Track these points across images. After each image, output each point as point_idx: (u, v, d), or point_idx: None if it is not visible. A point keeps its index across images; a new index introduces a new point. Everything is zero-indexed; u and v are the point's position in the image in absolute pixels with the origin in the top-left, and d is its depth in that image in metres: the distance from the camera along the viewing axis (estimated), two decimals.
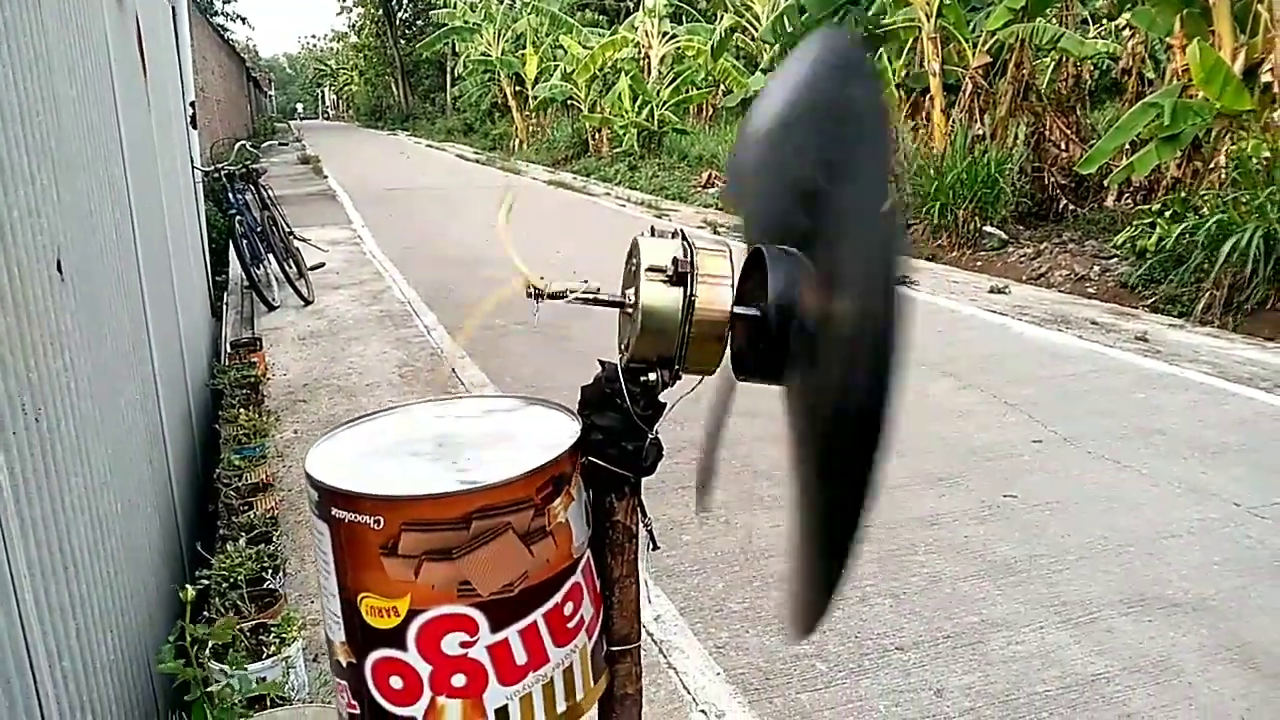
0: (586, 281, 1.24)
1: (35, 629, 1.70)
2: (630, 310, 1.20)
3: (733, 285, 1.19)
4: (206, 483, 4.26)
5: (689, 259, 1.16)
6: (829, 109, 1.17)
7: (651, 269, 1.16)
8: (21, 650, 1.64)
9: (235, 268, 8.93)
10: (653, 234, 1.21)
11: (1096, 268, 8.49)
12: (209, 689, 2.28)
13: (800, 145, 1.21)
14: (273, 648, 2.57)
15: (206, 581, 2.82)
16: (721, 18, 17.88)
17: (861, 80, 1.17)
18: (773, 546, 3.75)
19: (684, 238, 1.19)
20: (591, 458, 1.25)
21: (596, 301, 1.24)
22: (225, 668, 2.36)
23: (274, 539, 3.33)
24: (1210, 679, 2.88)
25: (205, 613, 2.72)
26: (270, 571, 2.98)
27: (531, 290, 1.22)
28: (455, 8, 28.13)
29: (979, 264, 9.32)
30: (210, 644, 2.43)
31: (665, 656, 3.05)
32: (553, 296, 1.22)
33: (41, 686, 1.70)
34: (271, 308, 8.13)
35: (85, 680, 1.98)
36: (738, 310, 1.17)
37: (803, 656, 3.04)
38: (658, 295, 1.16)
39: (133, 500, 2.70)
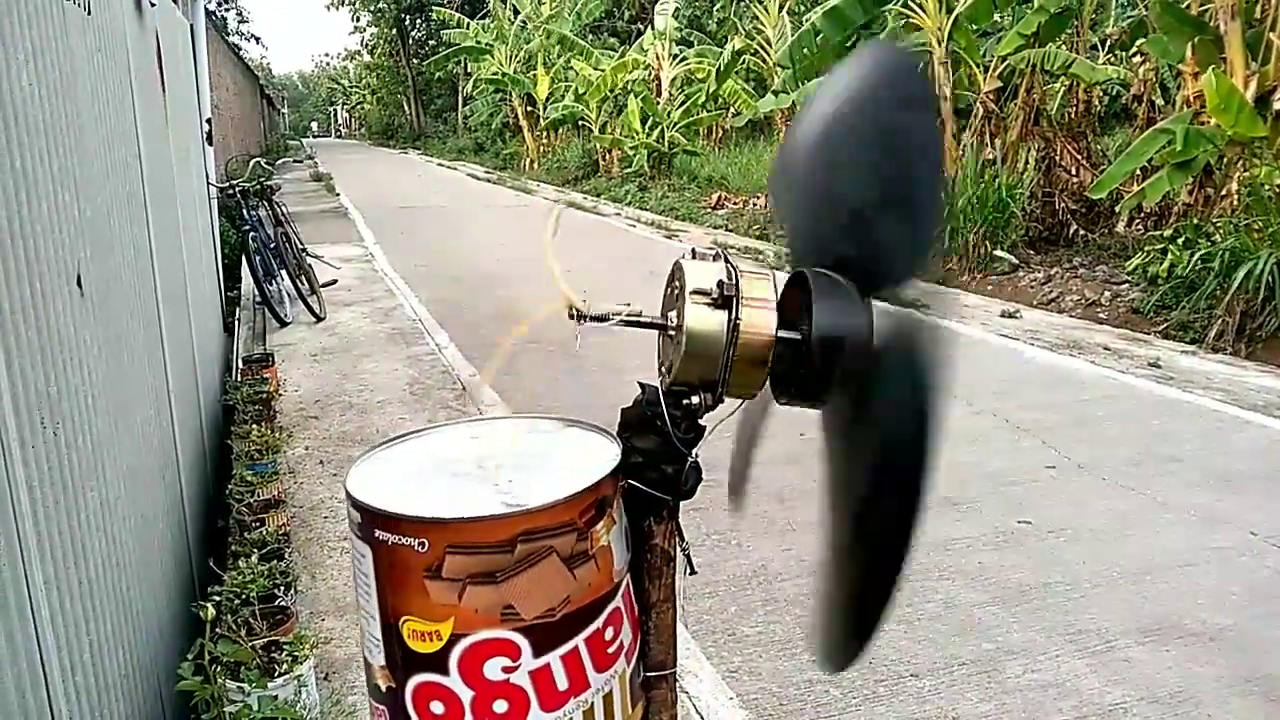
0: (629, 304, 1.23)
1: (50, 644, 1.70)
2: (673, 333, 1.19)
3: (776, 308, 1.18)
4: (218, 498, 4.25)
5: (734, 282, 1.15)
6: (884, 135, 1.16)
7: (696, 291, 1.15)
8: (37, 665, 1.63)
9: (248, 283, 8.96)
10: (694, 256, 1.20)
11: (1108, 293, 8.46)
12: (226, 708, 2.26)
13: (851, 169, 1.20)
14: (285, 665, 2.56)
15: (218, 598, 2.80)
16: (731, 40, 17.97)
17: (918, 106, 1.16)
18: (786, 571, 3.72)
19: (727, 260, 1.18)
20: (631, 481, 1.23)
21: (639, 324, 1.22)
22: (243, 685, 2.35)
23: (286, 556, 3.32)
24: (1230, 711, 2.85)
25: (217, 629, 2.71)
26: (282, 589, 2.97)
27: (574, 312, 1.20)
28: (468, 28, 28.34)
29: (990, 288, 9.30)
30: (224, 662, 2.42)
31: (680, 687, 3.02)
32: (595, 319, 1.21)
33: (55, 702, 1.70)
34: (284, 324, 8.15)
35: (97, 696, 1.97)
36: (782, 335, 1.16)
37: (816, 683, 3.01)
38: (702, 318, 1.15)
39: (146, 516, 2.69)
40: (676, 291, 1.20)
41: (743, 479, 1.61)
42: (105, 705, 2.03)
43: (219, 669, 2.39)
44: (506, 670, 1.12)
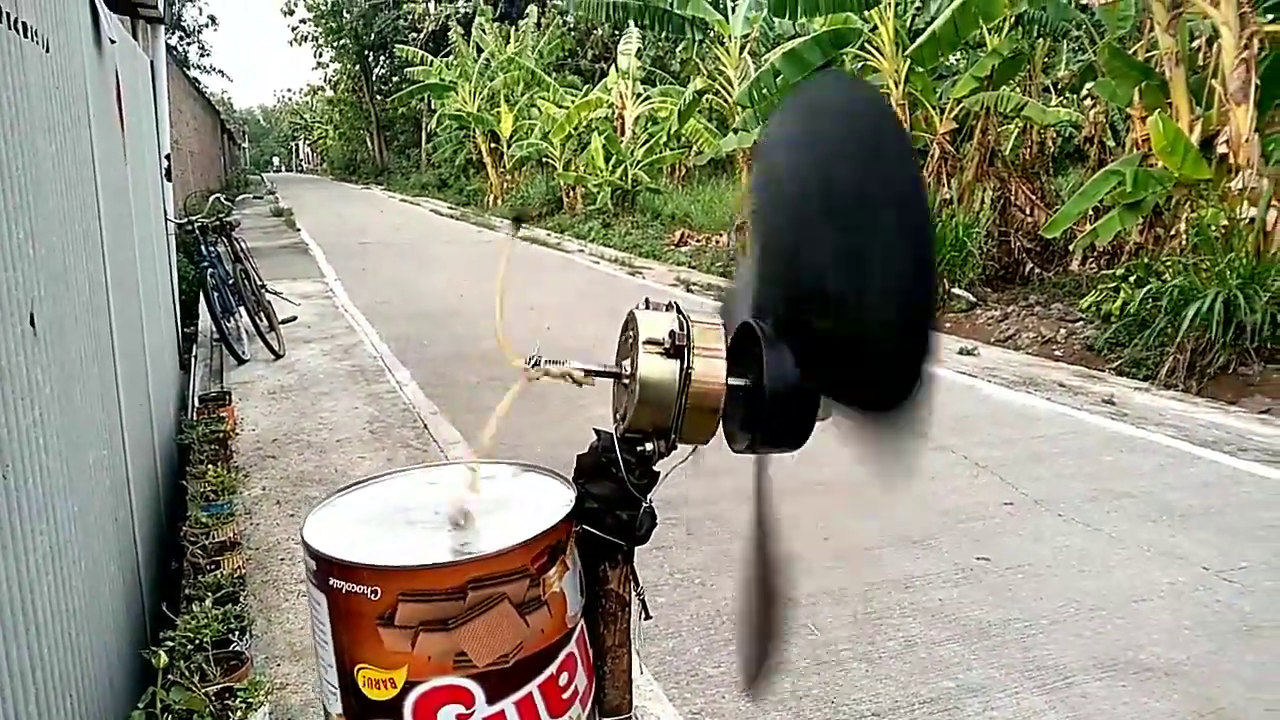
0: (569, 361, 1.26)
1: None
2: (627, 381, 1.21)
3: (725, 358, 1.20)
4: (172, 540, 4.17)
5: (685, 332, 1.18)
6: (860, 198, 1.12)
7: (649, 341, 1.18)
8: None
9: (205, 320, 8.87)
10: (647, 306, 1.23)
11: (1063, 330, 8.63)
12: None
13: (831, 247, 1.15)
14: (239, 713, 2.51)
15: (171, 643, 2.75)
16: (693, 80, 18.22)
17: (899, 165, 1.12)
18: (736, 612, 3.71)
19: (679, 311, 1.21)
20: (586, 526, 1.24)
21: (595, 373, 1.25)
22: None
23: (241, 599, 3.26)
24: None
25: (170, 676, 2.65)
26: (237, 633, 2.92)
27: (531, 361, 1.23)
28: (431, 65, 28.46)
29: (948, 325, 9.43)
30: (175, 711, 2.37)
31: None
32: (556, 377, 1.23)
33: None
34: (241, 361, 8.06)
35: None
36: (732, 382, 1.18)
37: None
38: (655, 367, 1.18)
39: (96, 559, 2.64)
40: (630, 341, 1.22)
41: (768, 655, 1.34)
42: None
43: (170, 717, 2.34)
44: (461, 718, 1.13)
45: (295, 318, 9.62)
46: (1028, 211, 10.53)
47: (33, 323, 2.12)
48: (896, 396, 1.10)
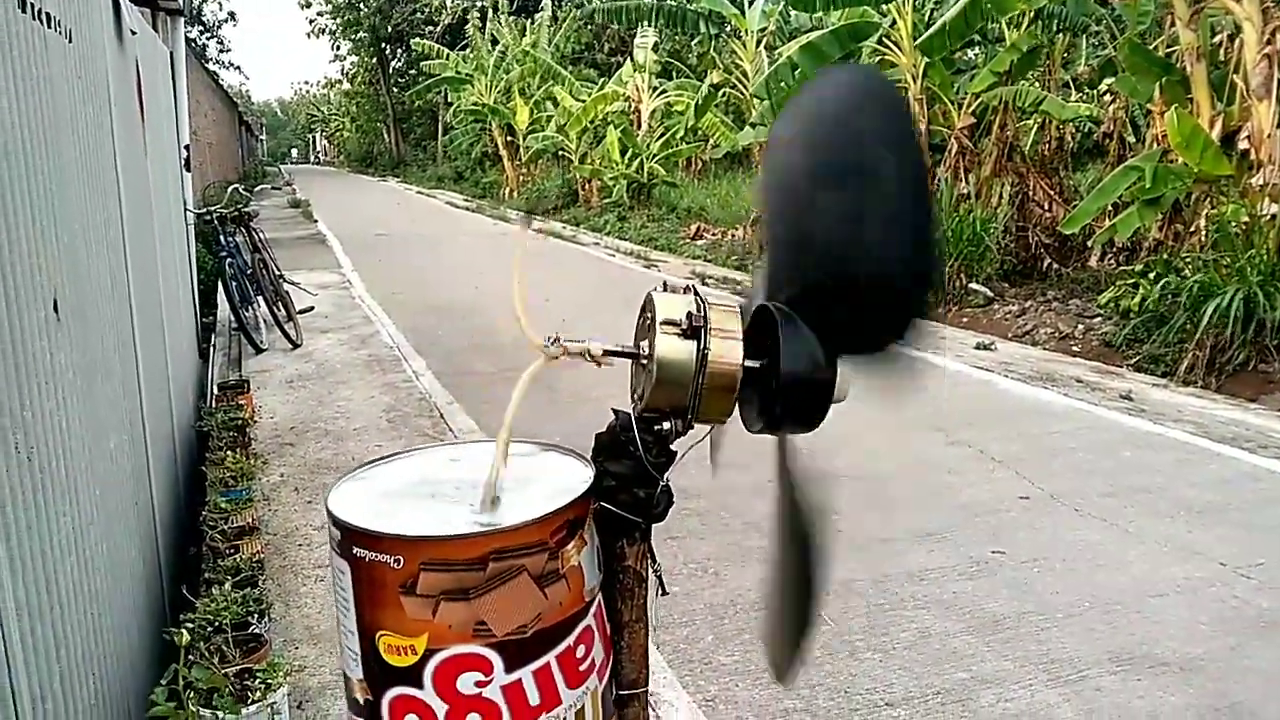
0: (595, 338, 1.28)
1: (20, 670, 1.68)
2: (645, 361, 1.23)
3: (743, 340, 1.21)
4: (191, 525, 4.21)
5: (702, 314, 1.19)
6: (863, 176, 1.15)
7: (667, 322, 1.19)
8: (7, 691, 1.62)
9: (223, 309, 8.93)
10: (665, 289, 1.24)
11: (1081, 326, 8.58)
12: None
13: (829, 210, 1.19)
14: (258, 693, 2.53)
15: (191, 625, 2.78)
16: (710, 74, 18.18)
17: (902, 147, 1.15)
18: (763, 600, 3.72)
19: (696, 293, 1.23)
20: (604, 503, 1.26)
21: (613, 354, 1.27)
22: (217, 712, 2.33)
23: (259, 583, 3.29)
24: None
25: (190, 656, 2.68)
26: (256, 616, 2.95)
27: (550, 340, 1.25)
28: (447, 58, 28.50)
29: (965, 320, 9.40)
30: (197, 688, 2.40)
31: (653, 709, 3.01)
32: (575, 355, 1.25)
33: None
34: (259, 350, 8.12)
35: None
36: (748, 364, 1.20)
37: (792, 711, 3.01)
38: (672, 348, 1.20)
39: (117, 542, 2.67)
40: (648, 322, 1.24)
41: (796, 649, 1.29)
42: None
43: (193, 695, 2.37)
44: (479, 685, 1.15)
45: (313, 308, 9.68)
46: (1046, 207, 10.45)
47: (56, 309, 2.15)
48: (898, 330, 1.16)
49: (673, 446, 1.28)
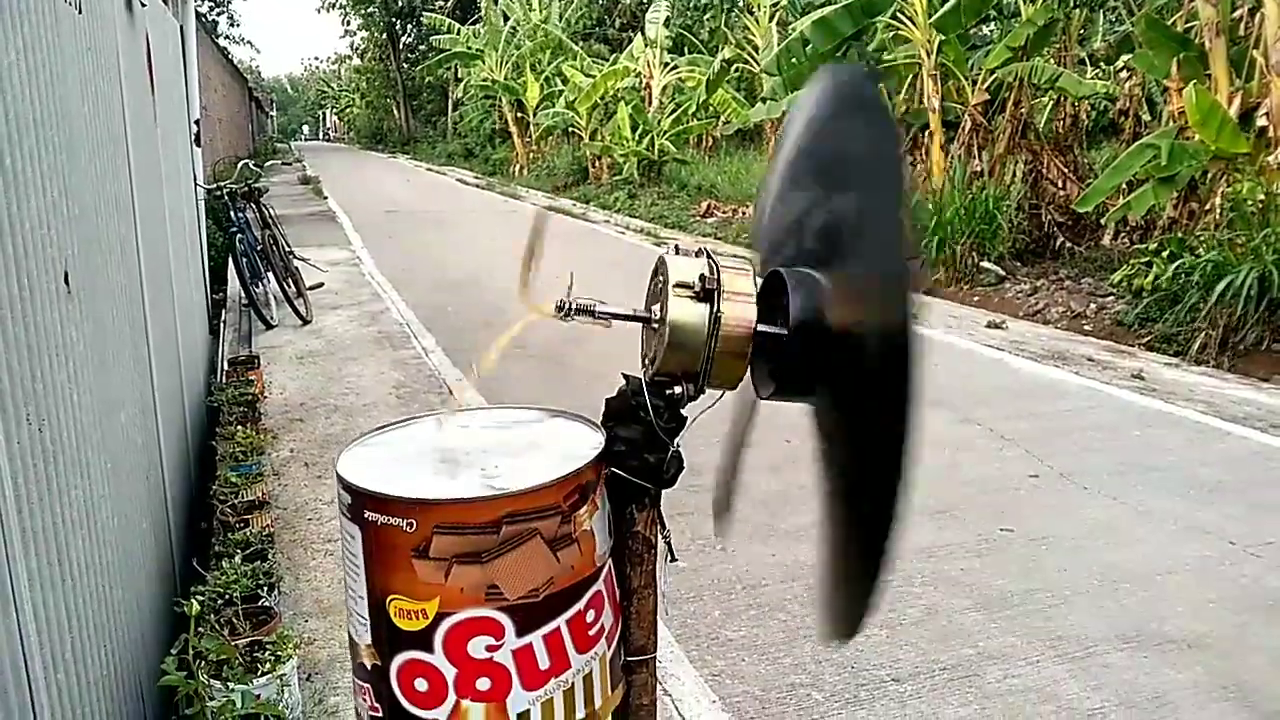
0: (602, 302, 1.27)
1: (33, 641, 1.70)
2: (656, 325, 1.22)
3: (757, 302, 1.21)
4: (201, 499, 4.24)
5: (715, 276, 1.18)
6: (838, 153, 1.21)
7: (679, 285, 1.18)
8: (20, 662, 1.63)
9: (234, 285, 8.94)
10: (678, 252, 1.23)
11: (1093, 305, 8.53)
12: (209, 704, 2.26)
13: (813, 185, 1.26)
14: (267, 665, 2.56)
15: (201, 598, 2.80)
16: (721, 50, 18.03)
17: (872, 122, 1.19)
18: (770, 576, 3.74)
19: (709, 256, 1.21)
20: (614, 468, 1.26)
21: (624, 317, 1.26)
22: (228, 683, 2.35)
23: (269, 556, 3.32)
24: (1206, 716, 2.87)
25: (200, 629, 2.71)
26: (265, 589, 2.97)
27: (561, 304, 1.24)
28: (458, 33, 28.35)
29: (976, 299, 9.36)
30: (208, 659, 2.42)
31: (660, 682, 3.03)
32: (580, 313, 1.24)
33: (37, 698, 1.69)
34: (270, 326, 8.13)
35: (79, 694, 1.97)
36: (762, 328, 1.18)
37: (799, 686, 3.02)
38: (685, 311, 1.18)
39: (129, 515, 2.69)
40: (660, 285, 1.22)
41: (728, 499, 1.62)
42: (87, 703, 2.02)
43: (203, 665, 2.39)
44: (490, 649, 1.15)
45: (323, 284, 9.68)
46: (1059, 185, 10.36)
47: (67, 281, 2.15)
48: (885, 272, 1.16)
49: (684, 412, 1.28)
